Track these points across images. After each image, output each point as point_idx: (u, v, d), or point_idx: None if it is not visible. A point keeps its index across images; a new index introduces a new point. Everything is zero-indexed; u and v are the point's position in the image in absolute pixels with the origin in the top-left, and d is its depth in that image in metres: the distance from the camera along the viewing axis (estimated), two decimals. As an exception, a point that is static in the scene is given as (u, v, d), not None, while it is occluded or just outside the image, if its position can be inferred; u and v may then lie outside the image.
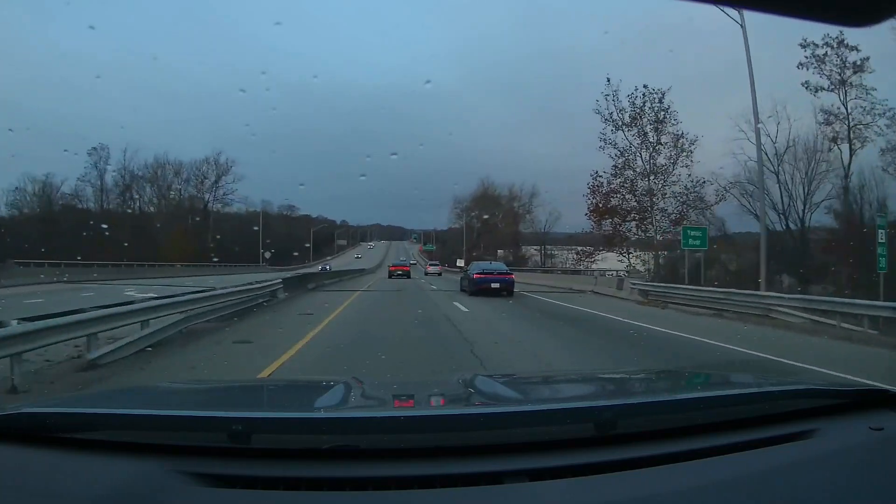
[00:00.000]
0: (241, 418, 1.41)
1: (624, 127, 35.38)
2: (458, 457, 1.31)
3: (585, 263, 40.64)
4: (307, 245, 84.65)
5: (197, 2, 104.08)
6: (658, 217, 36.15)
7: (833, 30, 24.88)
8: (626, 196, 36.73)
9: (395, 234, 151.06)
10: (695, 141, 34.56)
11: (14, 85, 64.80)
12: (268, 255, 58.75)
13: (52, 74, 76.15)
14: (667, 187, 35.80)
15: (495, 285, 20.07)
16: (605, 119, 35.43)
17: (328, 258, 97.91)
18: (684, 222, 32.74)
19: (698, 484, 1.25)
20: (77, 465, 1.28)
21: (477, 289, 19.94)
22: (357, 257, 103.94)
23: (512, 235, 72.89)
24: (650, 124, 35.32)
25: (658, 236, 36.39)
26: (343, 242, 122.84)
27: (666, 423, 1.48)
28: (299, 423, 1.48)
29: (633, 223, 36.85)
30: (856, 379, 6.29)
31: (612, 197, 36.80)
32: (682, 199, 35.20)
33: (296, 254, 73.39)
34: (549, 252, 68.86)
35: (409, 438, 1.36)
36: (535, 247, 73.19)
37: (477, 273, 20.78)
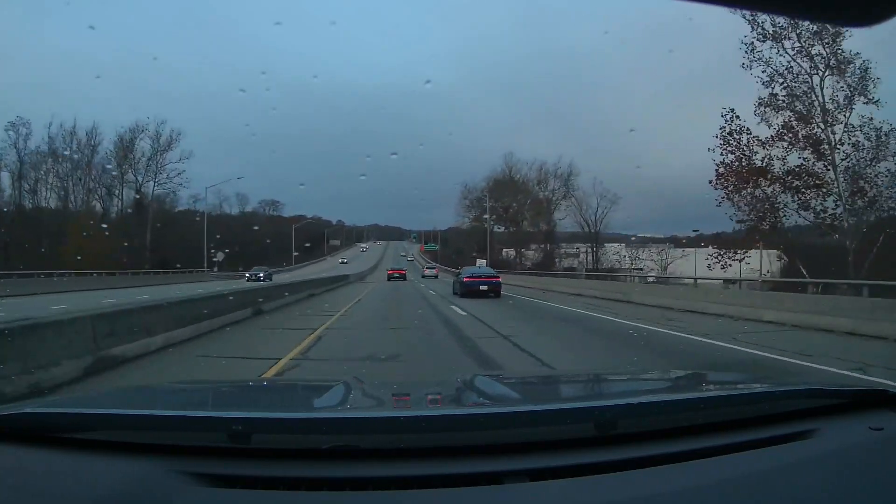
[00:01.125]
0: (241, 418, 1.41)
1: (776, 38, 22.28)
2: (459, 457, 1.31)
3: (724, 264, 24.44)
4: (307, 245, 77.52)
5: (197, 2, 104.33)
6: (843, 184, 22.15)
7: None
8: (792, 146, 22.08)
9: (393, 234, 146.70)
10: (867, 69, 21.97)
11: (14, 85, 64.42)
12: (219, 256, 45.57)
13: (52, 74, 75.77)
14: (851, 133, 21.85)
15: (483, 287, 21.89)
16: (749, 20, 22.19)
17: (318, 259, 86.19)
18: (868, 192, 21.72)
19: (698, 484, 1.25)
20: (77, 465, 1.28)
21: (467, 290, 21.81)
22: (342, 261, 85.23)
23: (543, 232, 60.94)
24: (813, 36, 22.05)
25: (848, 218, 22.23)
26: (337, 242, 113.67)
27: (666, 423, 1.48)
28: (299, 423, 1.48)
29: (792, 192, 22.59)
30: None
31: (768, 147, 22.41)
32: (866, 157, 21.86)
33: (296, 253, 67.70)
34: (599, 250, 56.00)
35: (408, 438, 1.36)
36: (573, 245, 60.04)
37: (467, 277, 23.14)
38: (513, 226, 66.05)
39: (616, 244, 59.78)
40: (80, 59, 74.64)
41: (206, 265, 44.64)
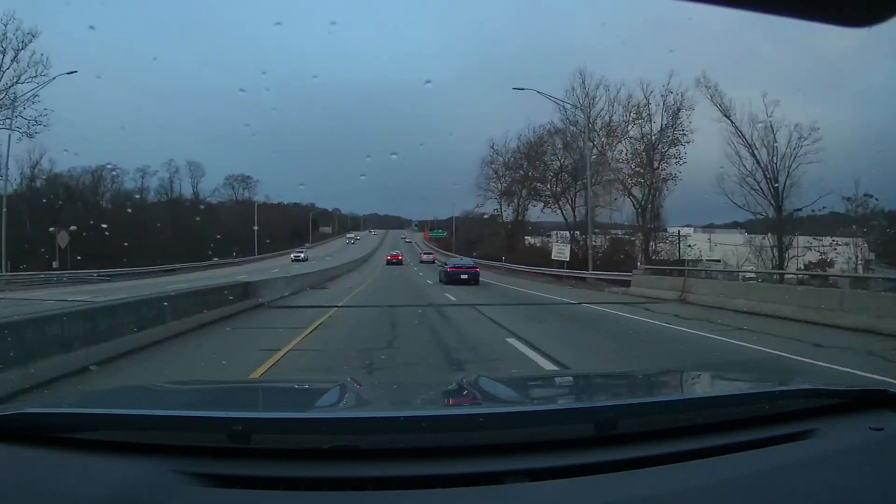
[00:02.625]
0: (241, 418, 1.41)
1: None
2: (459, 457, 1.31)
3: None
4: (296, 233, 64.88)
5: (197, 2, 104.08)
6: None
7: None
8: None
9: (393, 223, 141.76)
10: None
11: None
12: (62, 240, 28.99)
13: (52, 75, 74.98)
14: None
15: (464, 276, 25.30)
16: None
17: (297, 249, 61.37)
18: None
19: (698, 484, 1.25)
20: (77, 465, 1.28)
21: (449, 279, 25.24)
22: (297, 257, 52.63)
23: (643, 204, 34.80)
24: None
25: None
26: (328, 230, 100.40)
27: (666, 424, 1.48)
28: (299, 424, 1.48)
29: None
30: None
31: None
32: None
33: (304, 240, 59.04)
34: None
35: (408, 438, 1.36)
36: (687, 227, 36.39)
37: (451, 267, 26.89)
38: (566, 198, 40.71)
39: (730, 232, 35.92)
40: (80, 59, 73.98)
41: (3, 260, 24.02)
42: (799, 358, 7.55)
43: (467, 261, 30.60)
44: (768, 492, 1.24)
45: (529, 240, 48.13)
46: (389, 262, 53.14)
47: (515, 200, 48.46)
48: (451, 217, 73.98)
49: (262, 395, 2.38)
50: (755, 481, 1.26)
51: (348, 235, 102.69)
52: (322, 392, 2.16)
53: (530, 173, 44.80)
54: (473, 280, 25.55)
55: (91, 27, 61.30)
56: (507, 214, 50.63)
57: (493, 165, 48.61)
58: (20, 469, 1.29)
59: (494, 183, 49.49)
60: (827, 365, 7.11)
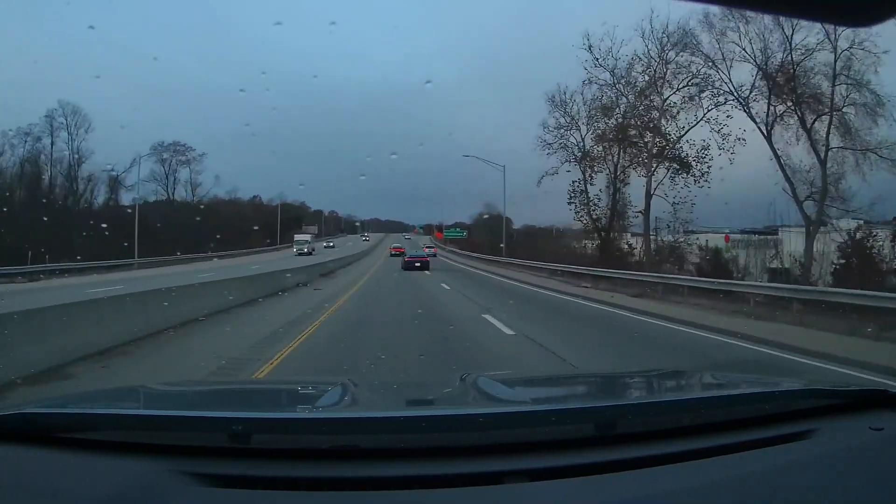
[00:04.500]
0: (241, 418, 1.41)
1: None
2: (459, 457, 1.31)
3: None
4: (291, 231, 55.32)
5: (197, 2, 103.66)
6: None
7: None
8: None
9: (395, 228, 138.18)
10: None
11: (14, 85, 63.27)
12: None
13: (53, 74, 74.57)
14: None
15: (417, 264, 32.15)
16: None
17: (245, 251, 46.15)
18: None
19: (698, 484, 1.25)
20: (77, 465, 1.28)
21: (407, 266, 32.10)
22: None
23: None
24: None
25: None
26: (314, 229, 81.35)
27: (666, 424, 1.48)
28: (299, 423, 1.48)
29: None
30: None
31: None
32: None
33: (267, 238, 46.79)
34: None
35: (408, 438, 1.36)
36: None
37: (408, 257, 35.01)
38: (807, 117, 21.36)
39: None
40: (80, 59, 73.55)
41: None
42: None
43: (423, 252, 40.92)
44: (769, 492, 1.24)
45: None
46: (392, 255, 57.34)
47: (614, 156, 26.72)
48: (484, 214, 52.43)
49: (262, 396, 2.38)
50: (755, 481, 1.26)
51: (297, 238, 58.50)
52: (322, 392, 2.16)
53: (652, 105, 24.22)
54: (425, 267, 31.82)
55: (91, 27, 61.23)
56: (596, 193, 28.80)
57: (589, 89, 26.88)
58: (20, 469, 1.29)
59: (572, 133, 28.78)
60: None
